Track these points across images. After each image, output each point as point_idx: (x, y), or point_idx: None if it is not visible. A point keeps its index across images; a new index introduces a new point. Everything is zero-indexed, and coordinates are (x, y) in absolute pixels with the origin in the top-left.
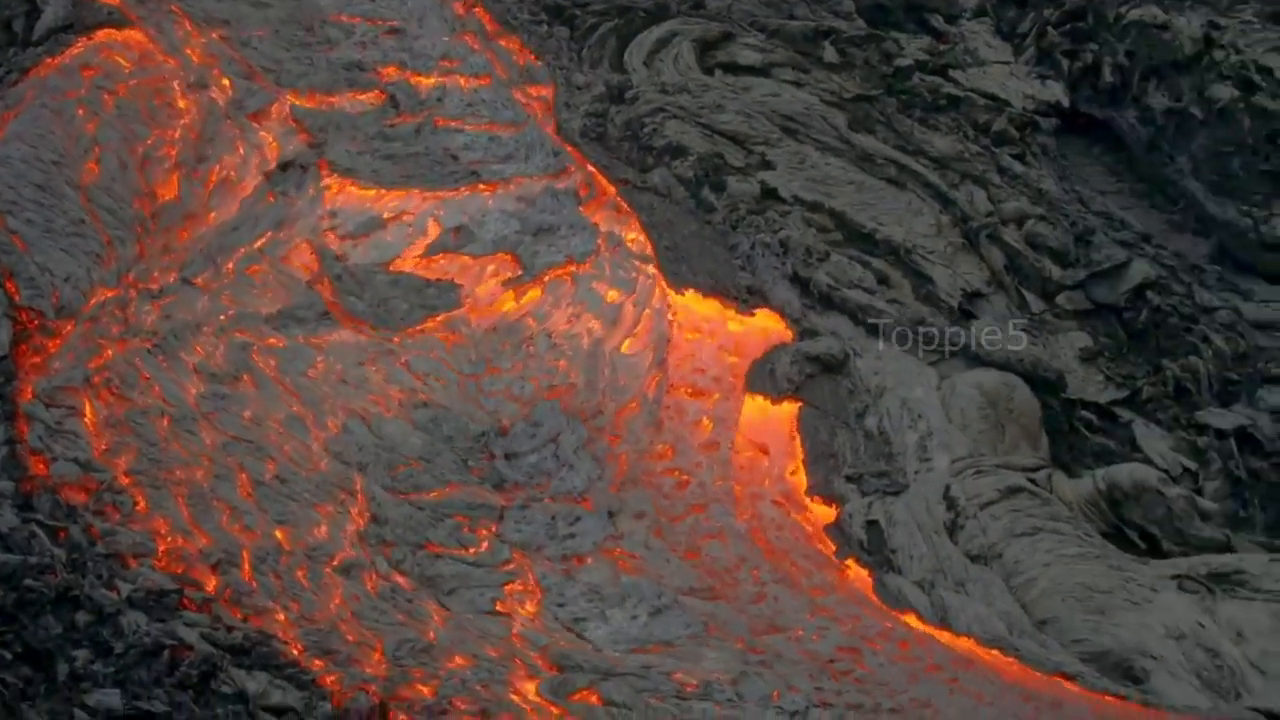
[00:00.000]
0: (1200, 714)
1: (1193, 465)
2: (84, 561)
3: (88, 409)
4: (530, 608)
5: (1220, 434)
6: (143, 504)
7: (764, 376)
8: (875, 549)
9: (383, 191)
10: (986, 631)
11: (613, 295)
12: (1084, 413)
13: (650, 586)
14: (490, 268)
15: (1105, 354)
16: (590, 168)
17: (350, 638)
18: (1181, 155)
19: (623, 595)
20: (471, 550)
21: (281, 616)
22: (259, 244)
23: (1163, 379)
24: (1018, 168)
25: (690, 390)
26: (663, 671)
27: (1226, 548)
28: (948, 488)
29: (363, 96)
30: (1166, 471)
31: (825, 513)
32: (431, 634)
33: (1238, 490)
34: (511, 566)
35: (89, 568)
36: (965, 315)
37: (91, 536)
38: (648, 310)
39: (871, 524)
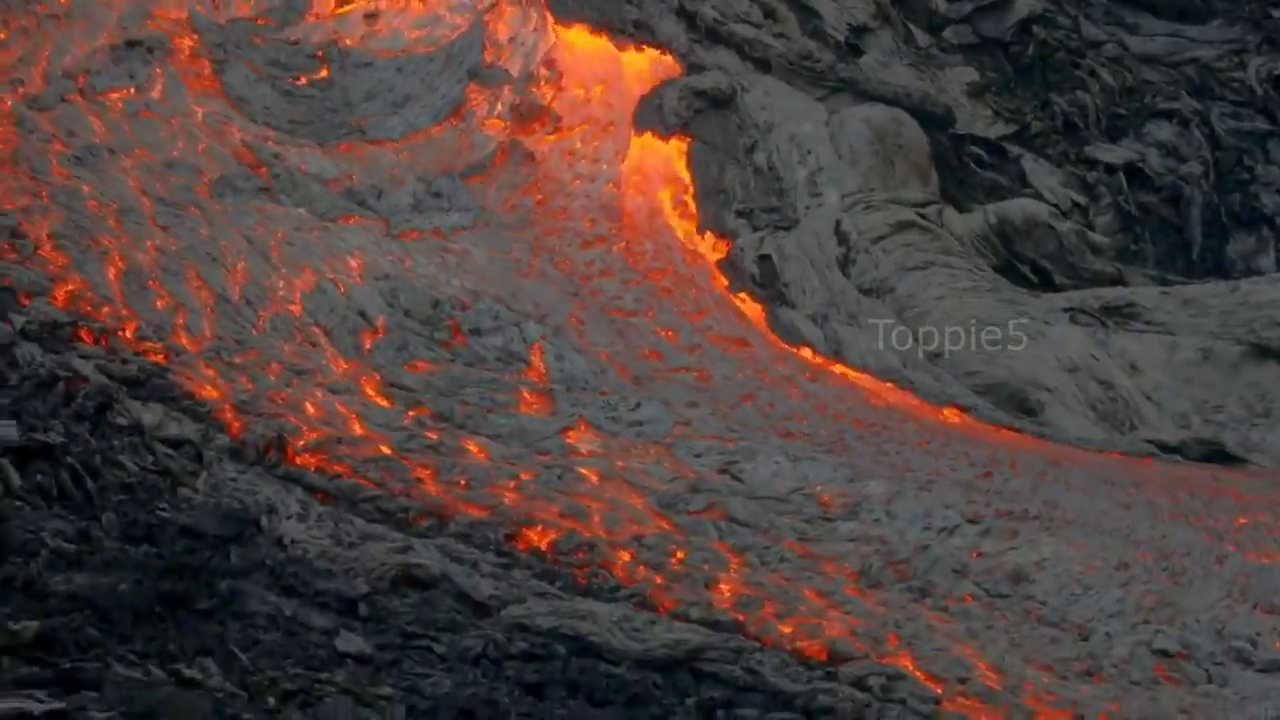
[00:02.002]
0: (1094, 446)
1: (1083, 200)
2: None
3: None
4: (653, 453)
5: (1109, 169)
6: (56, 257)
7: (652, 112)
8: (768, 283)
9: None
10: (880, 364)
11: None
12: (973, 148)
13: (775, 448)
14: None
15: (993, 89)
16: None
17: (313, 412)
18: None
19: (753, 451)
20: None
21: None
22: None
23: (1051, 114)
24: None
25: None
26: (808, 494)
27: (1118, 281)
28: (838, 222)
29: None
30: (1057, 206)
31: (717, 248)
32: (475, 448)
33: (1128, 224)
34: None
35: None
36: (852, 50)
37: None
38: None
39: (764, 259)
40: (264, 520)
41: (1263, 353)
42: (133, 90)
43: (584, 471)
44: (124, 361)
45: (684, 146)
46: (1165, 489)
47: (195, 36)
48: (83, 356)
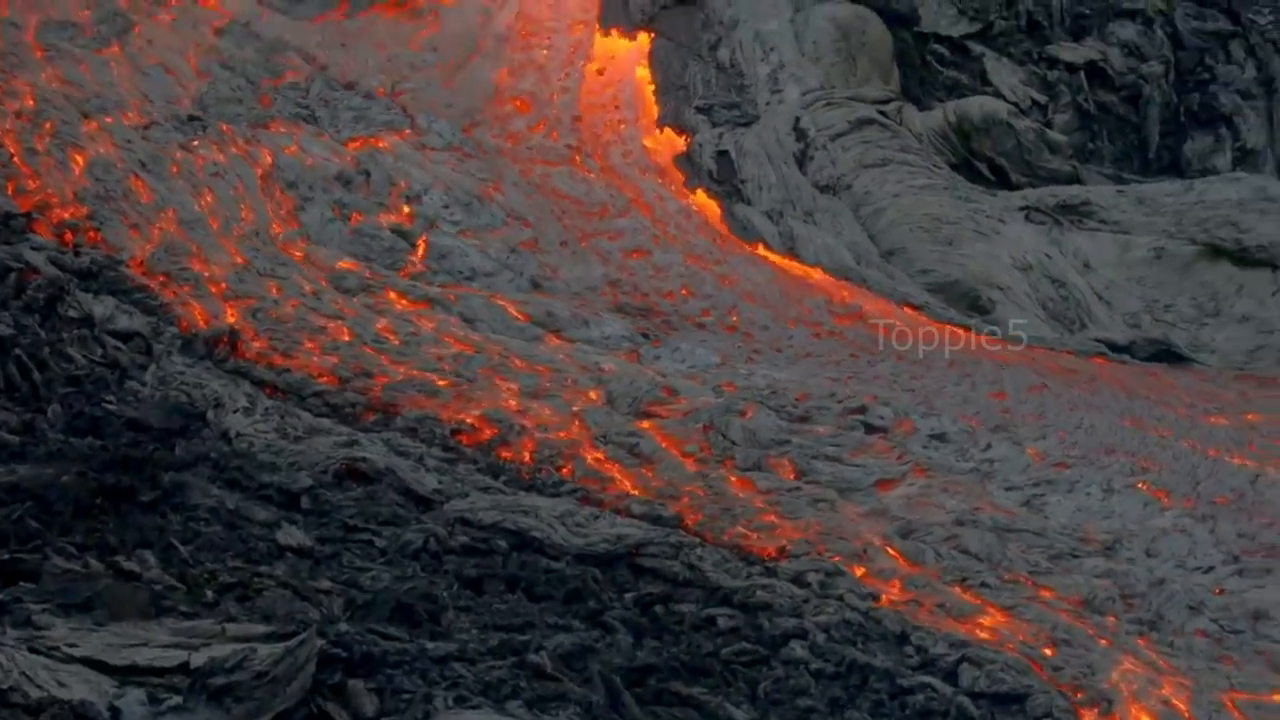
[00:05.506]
0: (1044, 344)
1: (1043, 98)
2: None
3: None
4: (964, 489)
5: (1070, 68)
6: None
7: (618, 9)
8: (724, 179)
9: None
10: (834, 261)
11: None
12: (936, 46)
13: (1097, 478)
14: None
15: None
16: None
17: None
18: None
19: (1073, 482)
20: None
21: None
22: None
23: (1015, 12)
24: None
25: None
26: (1069, 529)
27: (1074, 179)
28: (798, 119)
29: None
30: (1016, 104)
31: (675, 143)
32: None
33: (1087, 123)
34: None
35: None
36: None
37: None
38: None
39: (721, 154)
40: (210, 414)
41: (1215, 252)
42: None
43: (849, 506)
44: (77, 253)
45: (648, 42)
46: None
47: None
48: (35, 248)
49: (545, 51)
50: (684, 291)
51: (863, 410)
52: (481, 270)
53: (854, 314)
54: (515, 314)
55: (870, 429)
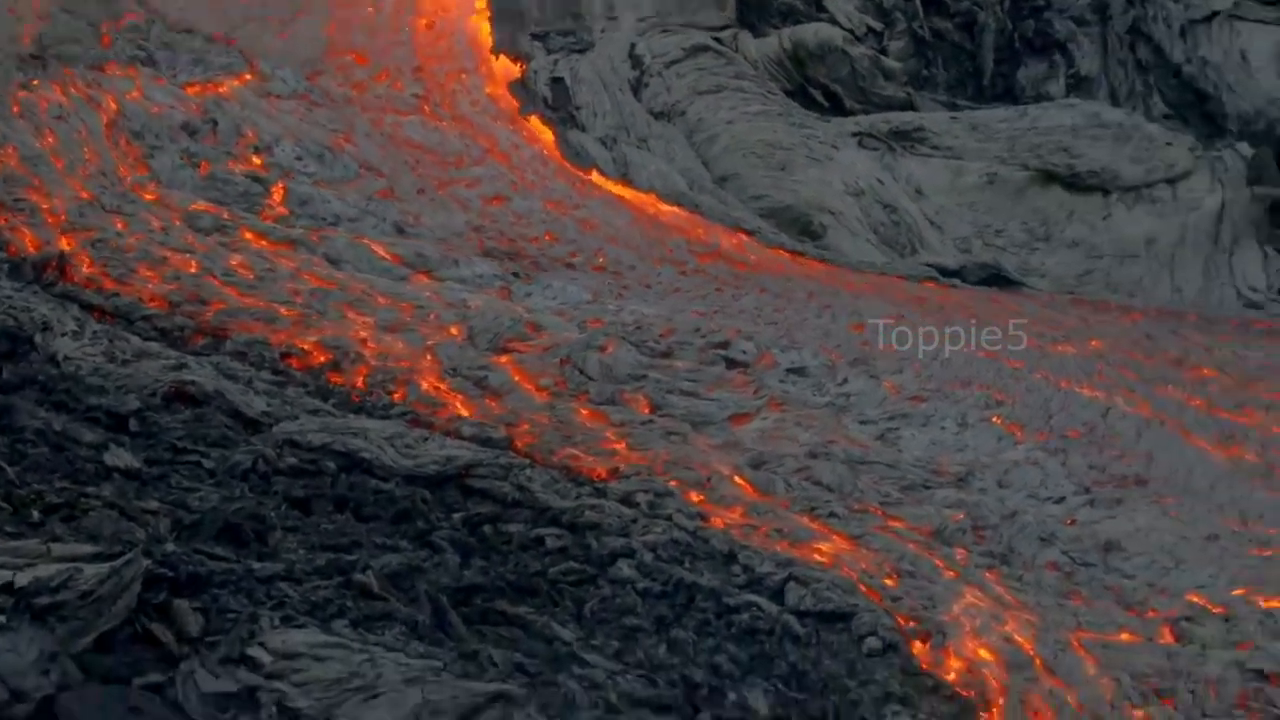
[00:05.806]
0: (875, 269)
1: (878, 25)
2: None
3: None
4: (818, 422)
5: None
6: None
7: None
8: (559, 106)
9: None
10: (667, 187)
11: None
12: None
13: (952, 412)
14: None
15: None
16: None
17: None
18: None
19: (928, 416)
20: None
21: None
22: None
23: None
24: None
25: None
26: (922, 462)
27: (908, 106)
28: (633, 45)
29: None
30: (852, 31)
31: (510, 69)
32: (588, 413)
33: (921, 50)
34: None
35: None
36: None
37: None
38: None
39: (556, 81)
40: (38, 337)
41: (1047, 178)
42: None
43: (701, 438)
44: None
45: None
46: None
47: None
48: None
49: (370, 9)
50: (548, 237)
51: (725, 345)
52: (345, 216)
53: (714, 252)
54: (383, 254)
55: (731, 364)
